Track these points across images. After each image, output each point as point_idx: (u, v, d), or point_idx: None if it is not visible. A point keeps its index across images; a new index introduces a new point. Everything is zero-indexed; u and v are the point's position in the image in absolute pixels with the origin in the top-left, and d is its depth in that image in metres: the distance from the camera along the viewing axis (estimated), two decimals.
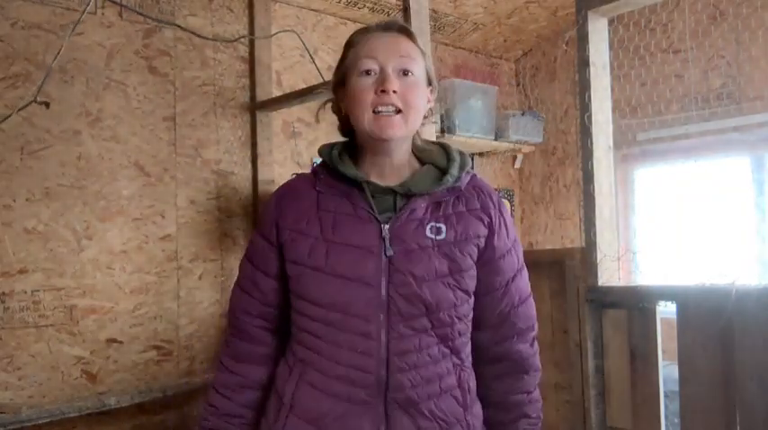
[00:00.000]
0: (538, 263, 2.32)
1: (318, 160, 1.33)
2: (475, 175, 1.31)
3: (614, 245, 2.12)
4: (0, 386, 2.14)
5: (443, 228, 1.22)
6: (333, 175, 1.26)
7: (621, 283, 2.14)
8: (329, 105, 1.35)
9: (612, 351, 2.06)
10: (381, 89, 1.18)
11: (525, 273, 1.32)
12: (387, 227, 1.20)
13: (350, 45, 1.27)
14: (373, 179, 1.24)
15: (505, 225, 1.28)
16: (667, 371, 2.01)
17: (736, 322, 1.76)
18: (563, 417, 2.22)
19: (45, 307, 2.24)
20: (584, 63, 2.11)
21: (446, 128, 3.26)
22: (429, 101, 1.29)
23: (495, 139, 3.49)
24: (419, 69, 1.24)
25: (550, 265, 2.26)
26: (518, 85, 4.03)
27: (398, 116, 1.20)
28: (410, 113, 1.21)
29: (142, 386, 2.40)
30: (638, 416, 1.99)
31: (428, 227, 1.21)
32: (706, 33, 3.15)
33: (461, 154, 1.30)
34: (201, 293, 2.63)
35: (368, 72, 1.20)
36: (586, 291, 2.08)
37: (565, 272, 2.18)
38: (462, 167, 1.27)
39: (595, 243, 2.07)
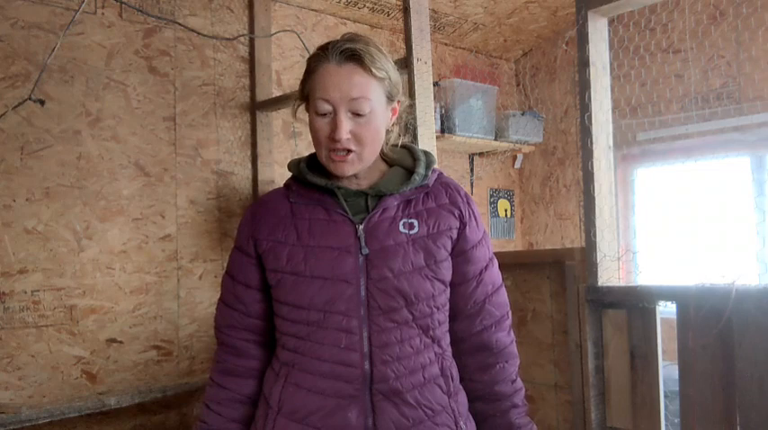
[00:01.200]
0: (538, 263, 2.32)
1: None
2: (441, 173, 1.35)
3: (614, 245, 2.12)
4: (0, 386, 2.14)
5: (416, 223, 1.25)
6: (304, 186, 1.29)
7: (621, 283, 2.13)
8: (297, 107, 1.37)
9: (612, 351, 2.05)
10: (333, 137, 1.20)
11: (496, 262, 1.36)
12: (361, 227, 1.23)
13: (309, 71, 1.26)
14: (344, 184, 1.28)
15: (475, 217, 1.32)
16: (667, 372, 2.00)
17: (736, 322, 1.76)
18: (563, 417, 2.21)
19: (45, 307, 2.24)
20: (584, 63, 2.11)
21: (446, 128, 3.26)
22: (395, 113, 1.30)
23: (495, 139, 3.50)
24: (373, 103, 1.23)
25: (550, 265, 2.25)
26: (518, 85, 4.03)
27: (352, 155, 1.23)
28: (364, 151, 1.23)
29: (142, 386, 2.41)
30: (638, 416, 1.99)
31: (401, 223, 1.25)
32: (706, 33, 3.15)
33: (426, 153, 1.34)
34: (201, 293, 2.63)
35: (323, 114, 1.22)
36: (586, 291, 2.08)
37: (565, 272, 2.18)
38: (428, 166, 1.31)
39: (595, 243, 2.07)
